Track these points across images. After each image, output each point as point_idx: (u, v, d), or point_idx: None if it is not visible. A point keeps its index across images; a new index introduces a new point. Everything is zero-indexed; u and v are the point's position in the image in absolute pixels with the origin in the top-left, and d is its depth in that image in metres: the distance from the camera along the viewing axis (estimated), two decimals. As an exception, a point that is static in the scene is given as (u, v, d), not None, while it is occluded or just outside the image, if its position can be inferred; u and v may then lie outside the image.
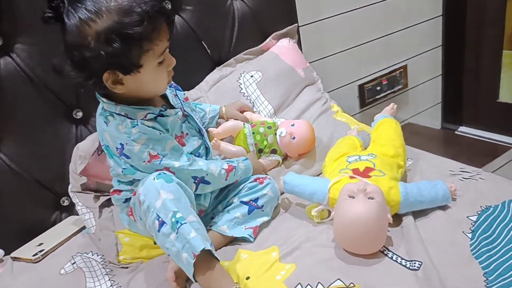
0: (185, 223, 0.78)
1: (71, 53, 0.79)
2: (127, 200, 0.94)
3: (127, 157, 0.87)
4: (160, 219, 0.79)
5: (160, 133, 0.88)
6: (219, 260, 0.81)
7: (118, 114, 0.86)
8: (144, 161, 0.87)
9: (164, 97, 0.97)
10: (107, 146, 0.90)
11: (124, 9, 0.76)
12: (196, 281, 0.80)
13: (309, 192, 0.96)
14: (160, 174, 0.84)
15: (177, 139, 0.93)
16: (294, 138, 1.11)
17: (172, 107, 0.96)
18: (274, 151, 1.13)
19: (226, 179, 0.97)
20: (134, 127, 0.85)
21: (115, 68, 0.80)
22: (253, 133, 1.12)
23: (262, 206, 0.98)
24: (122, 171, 0.90)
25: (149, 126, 0.86)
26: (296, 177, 1.00)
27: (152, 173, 0.85)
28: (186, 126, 0.97)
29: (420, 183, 0.94)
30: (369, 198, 0.83)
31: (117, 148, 0.87)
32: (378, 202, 0.83)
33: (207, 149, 1.00)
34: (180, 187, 0.83)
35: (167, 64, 0.86)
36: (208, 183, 0.94)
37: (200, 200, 0.96)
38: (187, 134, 0.96)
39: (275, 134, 1.13)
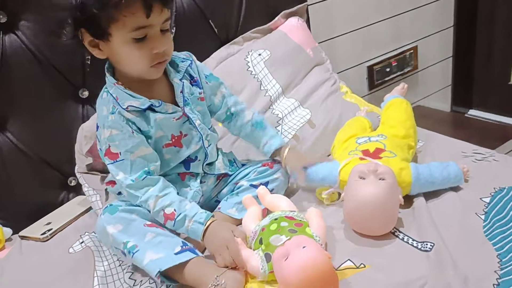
0: (137, 251, 0.79)
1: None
2: (121, 192, 0.93)
3: (98, 139, 0.87)
4: (120, 250, 0.82)
5: (133, 132, 0.83)
6: (194, 256, 0.79)
7: (111, 94, 0.84)
8: (103, 152, 0.85)
9: (171, 88, 0.89)
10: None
11: None
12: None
13: (321, 177, 0.94)
14: (106, 207, 0.85)
15: (174, 139, 0.89)
16: (286, 259, 0.70)
17: (176, 102, 0.89)
18: (268, 257, 0.75)
19: (163, 223, 0.84)
20: (112, 113, 0.83)
21: (86, 27, 0.79)
22: (275, 219, 0.81)
23: (272, 190, 0.97)
24: (99, 150, 0.89)
25: (127, 119, 0.83)
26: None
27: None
28: (187, 126, 0.90)
29: (432, 164, 0.93)
30: (380, 179, 0.81)
31: (96, 126, 0.87)
32: (389, 183, 0.81)
33: (206, 154, 0.94)
34: (127, 213, 0.83)
35: (150, 46, 0.79)
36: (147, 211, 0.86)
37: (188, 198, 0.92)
38: (185, 135, 0.90)
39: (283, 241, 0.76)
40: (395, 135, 0.99)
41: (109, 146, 0.84)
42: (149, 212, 0.85)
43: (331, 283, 0.70)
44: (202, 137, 0.92)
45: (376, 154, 0.92)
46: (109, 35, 0.78)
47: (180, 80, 0.90)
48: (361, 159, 0.90)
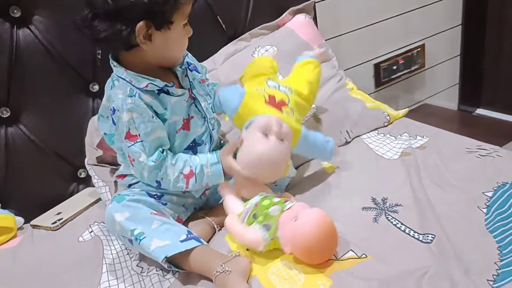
0: (144, 238, 0.81)
1: (104, 4, 0.79)
2: (131, 185, 0.96)
3: (114, 123, 0.87)
4: (127, 238, 0.84)
5: (153, 116, 0.86)
6: (199, 244, 0.82)
7: (123, 79, 0.86)
8: (122, 135, 0.87)
9: (175, 76, 0.94)
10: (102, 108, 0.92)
11: None
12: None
13: (224, 97, 0.96)
14: (114, 197, 0.87)
15: (184, 122, 0.92)
16: (296, 220, 0.78)
17: (181, 87, 0.93)
18: (267, 227, 0.80)
19: (186, 186, 0.88)
20: (130, 96, 0.84)
21: (151, 19, 0.81)
22: (265, 196, 0.85)
23: (275, 182, 0.98)
24: (104, 134, 0.92)
25: (145, 102, 0.85)
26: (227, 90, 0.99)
27: (125, 152, 0.88)
28: (194, 109, 0.94)
29: (317, 134, 0.98)
30: (280, 139, 0.86)
31: (110, 109, 0.87)
32: (286, 145, 0.88)
33: (211, 137, 0.97)
34: (134, 202, 0.85)
35: (188, 30, 0.88)
36: (164, 188, 0.90)
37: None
38: (192, 117, 0.94)
39: (284, 208, 0.81)
40: (299, 93, 1.01)
41: (129, 129, 0.85)
42: (169, 184, 0.87)
43: (335, 239, 0.79)
44: (207, 118, 0.95)
45: (280, 105, 0.94)
46: (170, 24, 0.83)
47: (181, 67, 0.94)
48: (267, 102, 0.93)
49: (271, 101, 0.94)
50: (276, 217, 0.79)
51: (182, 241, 0.81)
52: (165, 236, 0.82)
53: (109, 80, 0.90)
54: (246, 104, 0.93)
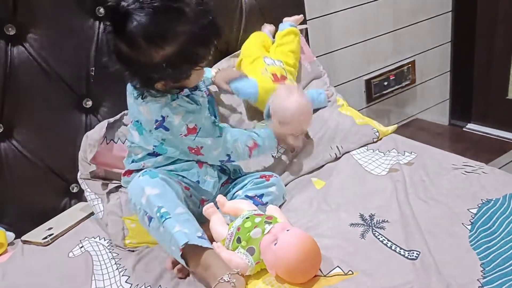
0: (169, 217, 0.81)
1: (126, 62, 0.83)
2: None
3: (166, 129, 0.90)
4: (147, 214, 0.83)
5: (197, 106, 0.93)
6: (211, 248, 0.82)
7: (158, 90, 0.90)
8: (181, 134, 0.91)
9: None
10: (137, 121, 0.94)
11: (192, 36, 0.81)
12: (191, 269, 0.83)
13: (241, 90, 1.17)
14: (145, 171, 0.88)
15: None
16: (276, 244, 0.79)
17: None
18: (251, 250, 0.82)
19: (249, 156, 1.02)
20: (174, 100, 0.90)
21: (169, 80, 0.86)
22: (247, 217, 0.85)
23: (266, 203, 1.00)
24: (154, 148, 0.95)
25: (186, 100, 0.91)
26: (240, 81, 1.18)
27: (184, 148, 0.93)
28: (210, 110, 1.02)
29: (310, 91, 1.31)
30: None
31: (156, 121, 0.90)
32: (305, 96, 1.12)
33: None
34: (165, 182, 0.86)
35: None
36: (233, 161, 1.02)
37: (209, 187, 0.98)
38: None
39: (264, 231, 0.82)
40: (287, 63, 1.27)
41: (187, 125, 0.91)
42: (238, 155, 1.00)
43: (318, 256, 0.79)
44: (216, 117, 1.06)
45: (283, 79, 1.21)
46: (189, 77, 0.88)
47: None
48: (273, 81, 1.19)
49: (275, 78, 1.20)
50: (258, 240, 0.80)
51: (199, 237, 0.81)
52: (185, 226, 0.82)
53: (132, 91, 0.92)
54: (261, 89, 1.17)
